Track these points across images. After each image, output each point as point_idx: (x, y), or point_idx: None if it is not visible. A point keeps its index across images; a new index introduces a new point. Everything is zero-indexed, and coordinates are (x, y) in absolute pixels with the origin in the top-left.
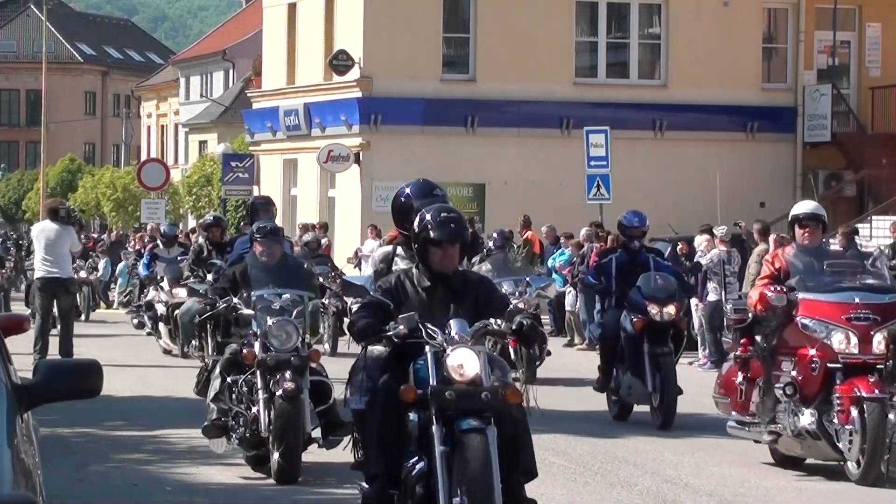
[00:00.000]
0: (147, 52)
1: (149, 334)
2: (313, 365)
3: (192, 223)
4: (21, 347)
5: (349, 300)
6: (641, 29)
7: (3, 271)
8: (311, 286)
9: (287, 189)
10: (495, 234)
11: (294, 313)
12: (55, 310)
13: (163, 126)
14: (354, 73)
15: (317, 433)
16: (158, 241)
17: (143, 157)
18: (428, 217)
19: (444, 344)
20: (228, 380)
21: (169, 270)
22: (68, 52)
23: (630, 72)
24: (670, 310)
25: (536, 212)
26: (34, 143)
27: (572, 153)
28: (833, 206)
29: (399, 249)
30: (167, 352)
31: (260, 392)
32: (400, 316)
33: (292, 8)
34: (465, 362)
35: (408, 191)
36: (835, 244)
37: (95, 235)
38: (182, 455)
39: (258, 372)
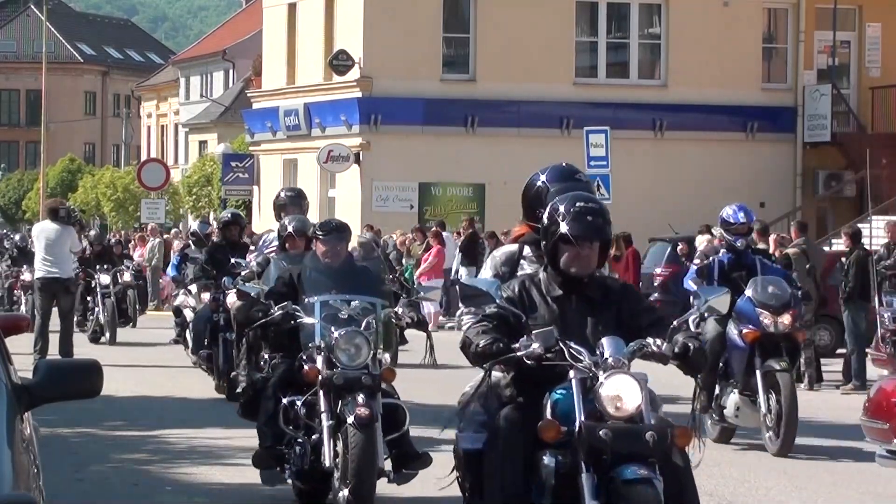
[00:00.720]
0: (147, 52)
1: (175, 342)
2: (383, 385)
3: (192, 224)
4: (21, 347)
5: (461, 310)
6: (641, 29)
7: (33, 268)
8: (382, 292)
9: None
10: None
11: (364, 323)
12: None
13: (163, 126)
14: (354, 73)
15: (387, 465)
16: (190, 241)
17: (143, 157)
18: (561, 208)
19: (594, 368)
20: (284, 401)
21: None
22: (68, 52)
23: (630, 72)
24: (785, 319)
25: None
26: (34, 143)
27: (572, 153)
28: (833, 206)
29: (527, 249)
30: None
31: (324, 417)
32: (534, 331)
33: (292, 8)
34: (623, 393)
35: (543, 176)
36: (839, 244)
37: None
38: (182, 455)
39: (321, 392)
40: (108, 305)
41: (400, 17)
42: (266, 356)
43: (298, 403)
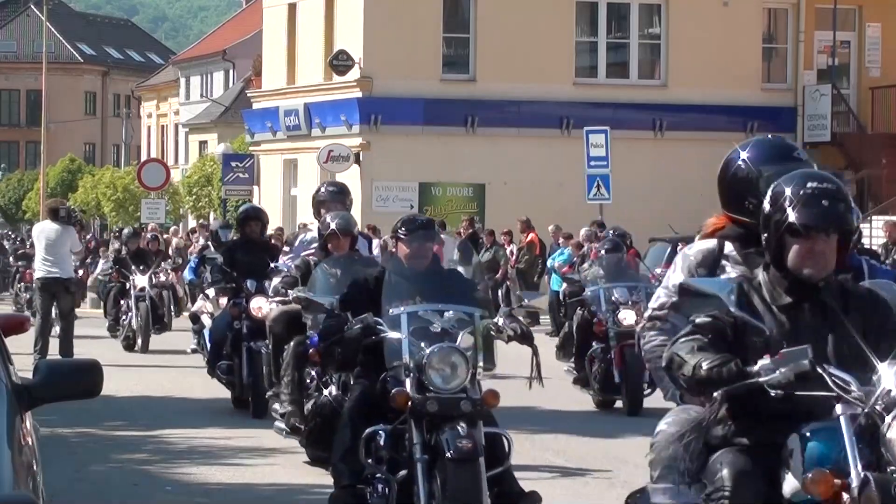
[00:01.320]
0: (147, 52)
1: (194, 351)
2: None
3: (192, 223)
4: (21, 347)
5: (643, 322)
6: (641, 29)
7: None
8: (478, 299)
9: (287, 189)
10: (609, 232)
11: (460, 338)
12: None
13: (163, 126)
14: (354, 73)
15: None
16: (209, 243)
17: (144, 157)
18: (787, 191)
19: (873, 403)
20: (367, 431)
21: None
22: (68, 52)
23: (630, 72)
24: None
25: (536, 212)
26: (34, 143)
27: (572, 153)
28: None
29: (728, 246)
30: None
31: (416, 450)
32: (783, 350)
33: (292, 8)
34: None
35: (745, 154)
36: None
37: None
38: (182, 455)
39: (411, 421)
40: (142, 310)
41: (400, 17)
42: (313, 372)
43: (381, 434)
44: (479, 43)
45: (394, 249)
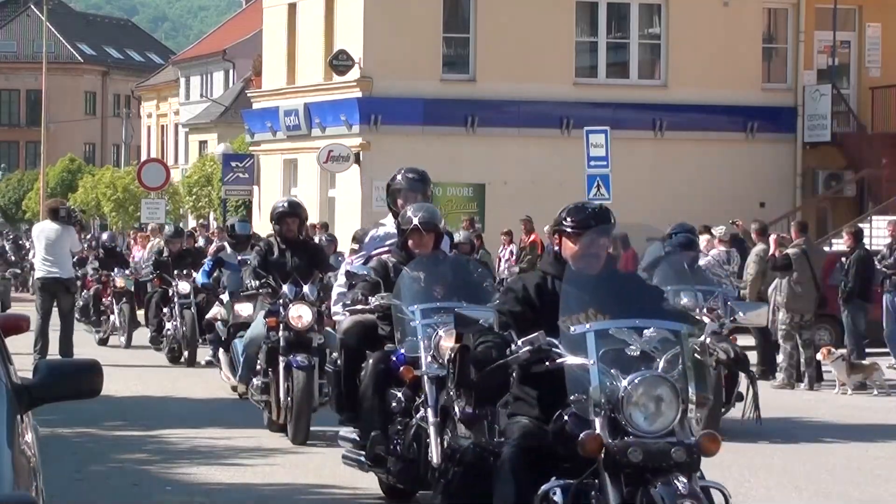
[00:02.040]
0: (147, 52)
1: (208, 363)
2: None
3: (192, 223)
4: (21, 347)
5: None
6: (641, 29)
7: (127, 272)
8: (678, 313)
9: (287, 189)
10: (672, 231)
11: (661, 363)
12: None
13: (163, 126)
14: (354, 73)
15: None
16: (225, 243)
17: (143, 157)
18: None
19: None
20: (542, 489)
21: (233, 281)
22: (68, 52)
23: (630, 72)
24: None
25: (536, 212)
26: (34, 143)
27: (572, 153)
28: (833, 206)
29: None
30: (234, 388)
31: None
32: None
33: (292, 8)
34: None
35: None
36: (840, 244)
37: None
38: (182, 455)
39: (606, 475)
40: (186, 318)
41: (400, 17)
42: (399, 394)
43: (558, 491)
44: (479, 43)
45: (557, 246)
